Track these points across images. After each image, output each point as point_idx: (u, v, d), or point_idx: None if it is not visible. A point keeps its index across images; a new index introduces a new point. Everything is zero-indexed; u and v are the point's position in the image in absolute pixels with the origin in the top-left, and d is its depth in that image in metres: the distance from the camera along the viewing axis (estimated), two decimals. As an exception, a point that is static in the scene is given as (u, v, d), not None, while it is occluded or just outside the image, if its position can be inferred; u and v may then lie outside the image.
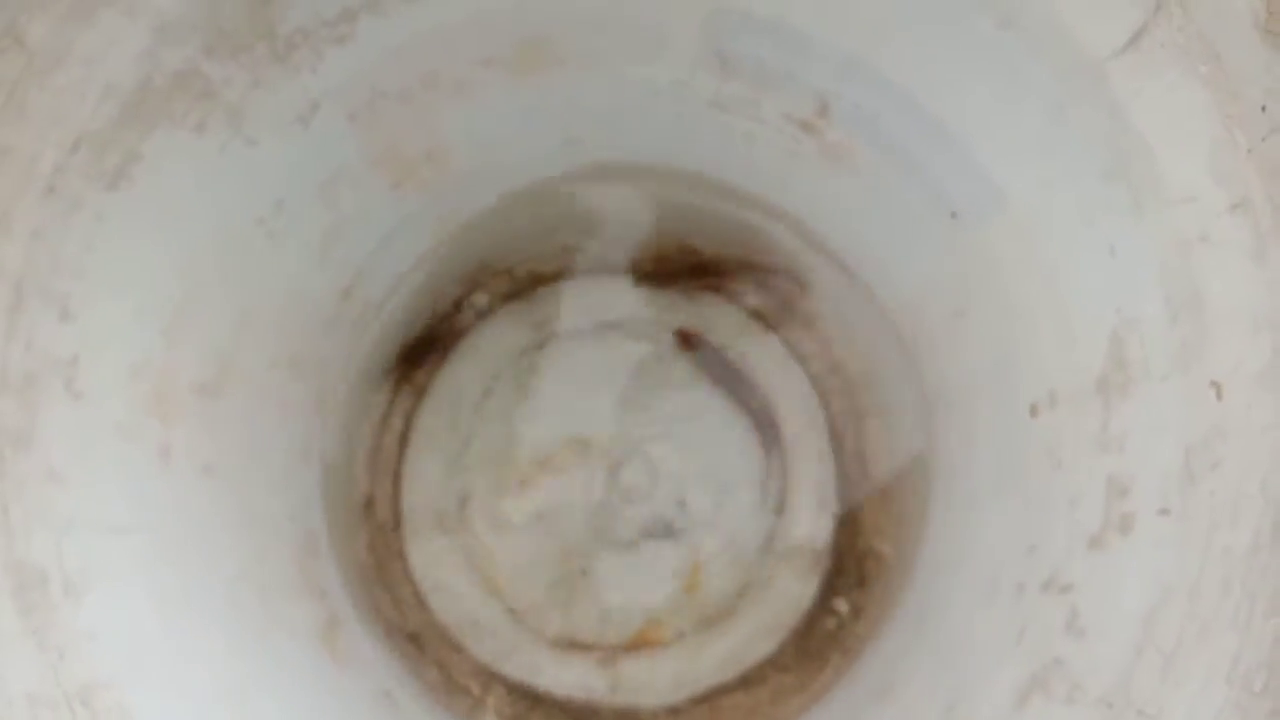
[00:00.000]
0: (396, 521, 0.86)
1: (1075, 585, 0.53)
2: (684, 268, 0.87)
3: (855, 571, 0.86)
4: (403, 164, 0.71)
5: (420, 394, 0.87)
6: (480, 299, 0.88)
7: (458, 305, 0.88)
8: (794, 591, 0.85)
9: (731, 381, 0.87)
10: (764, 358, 0.87)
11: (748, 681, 0.86)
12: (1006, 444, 0.66)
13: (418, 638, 0.85)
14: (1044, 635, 0.55)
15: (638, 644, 0.85)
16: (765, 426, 0.86)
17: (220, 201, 0.60)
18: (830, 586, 0.86)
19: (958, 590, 0.70)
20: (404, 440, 0.87)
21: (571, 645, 0.85)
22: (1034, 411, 0.62)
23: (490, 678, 0.85)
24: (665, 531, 0.86)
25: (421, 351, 0.87)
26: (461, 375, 0.87)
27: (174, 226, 0.57)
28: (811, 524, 0.85)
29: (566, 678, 0.85)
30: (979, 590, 0.66)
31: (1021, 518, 0.62)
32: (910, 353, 0.78)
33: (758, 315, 0.87)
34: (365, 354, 0.82)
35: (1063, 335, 0.59)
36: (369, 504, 0.86)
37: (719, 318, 0.87)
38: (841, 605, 0.85)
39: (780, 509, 0.85)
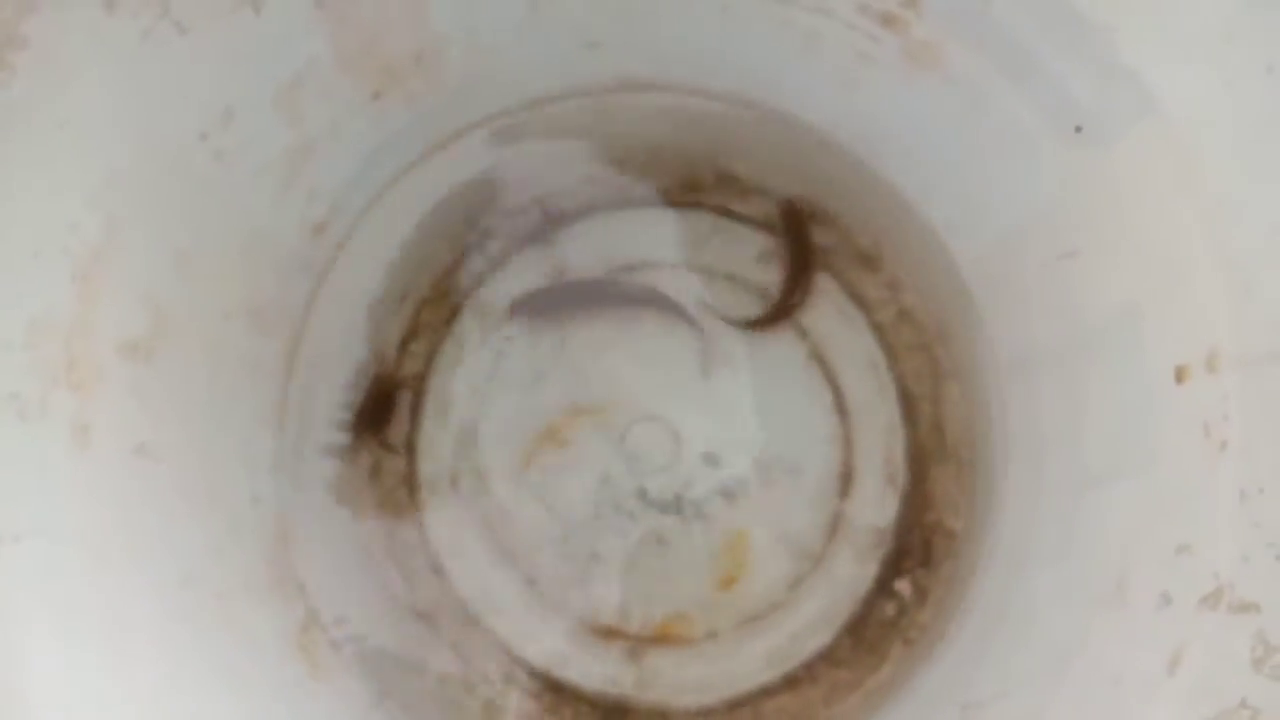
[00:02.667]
0: (411, 489, 0.74)
1: (1261, 606, 0.41)
2: (720, 200, 0.74)
3: (920, 550, 0.74)
4: (385, 67, 0.58)
5: (430, 354, 0.75)
6: (492, 245, 0.74)
7: (468, 250, 0.74)
8: (850, 574, 0.73)
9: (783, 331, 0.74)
10: (817, 304, 0.73)
11: (795, 681, 0.74)
12: (1131, 413, 0.53)
13: (430, 615, 0.73)
14: (1216, 668, 0.43)
15: (661, 639, 0.74)
16: (824, 387, 0.73)
17: (146, 108, 0.46)
18: (892, 566, 0.74)
19: (1057, 585, 0.58)
20: (415, 405, 0.74)
21: (592, 630, 0.73)
22: (1181, 376, 0.49)
23: (513, 664, 0.73)
24: (694, 511, 0.73)
25: (427, 305, 0.74)
26: (473, 334, 0.74)
27: (81, 139, 0.43)
28: (877, 502, 0.73)
29: (592, 667, 0.73)
30: (1093, 590, 0.54)
31: (1160, 507, 0.50)
32: (991, 307, 0.65)
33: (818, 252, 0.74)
34: (352, 304, 0.69)
35: (1231, 282, 0.46)
36: (375, 472, 0.74)
37: (762, 257, 0.74)
38: (904, 587, 0.73)
39: (842, 486, 0.73)
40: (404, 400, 0.73)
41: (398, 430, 0.73)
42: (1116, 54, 0.47)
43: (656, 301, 0.72)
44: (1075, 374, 0.58)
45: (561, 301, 0.74)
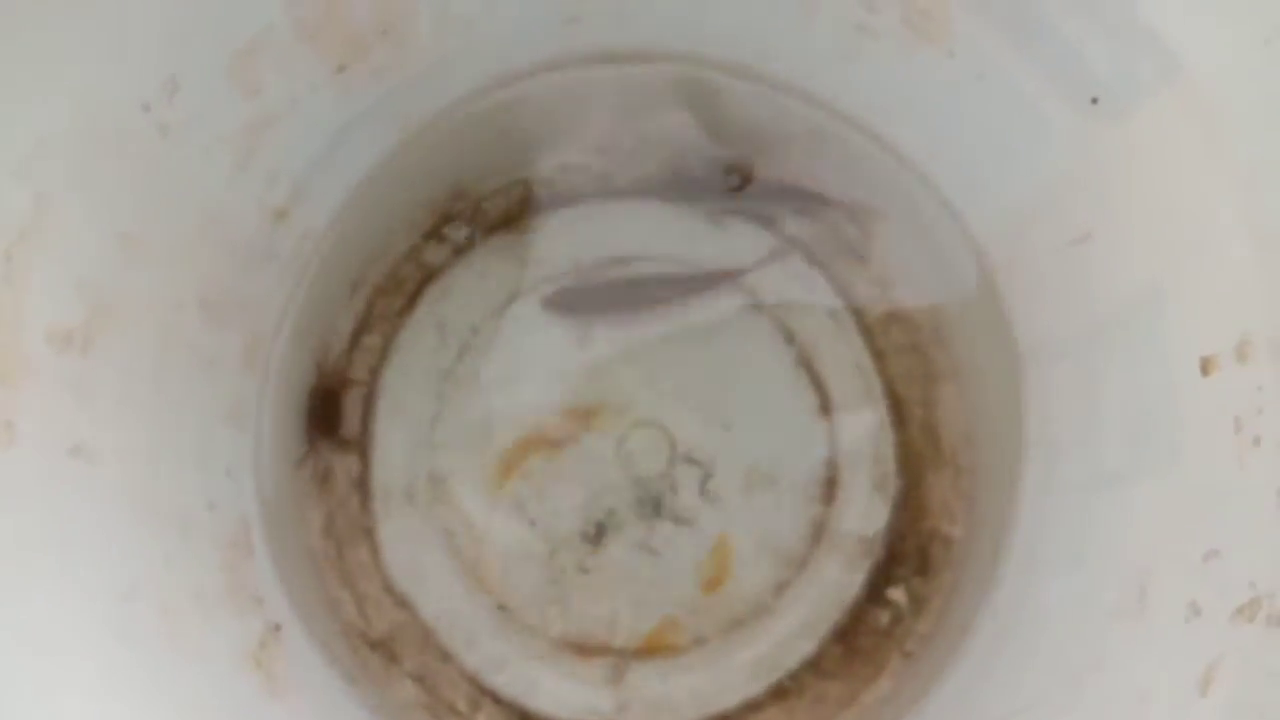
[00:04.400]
0: (364, 499, 0.69)
1: (1309, 618, 0.37)
2: (709, 184, 0.70)
3: (916, 557, 0.70)
4: (349, 38, 0.54)
5: (385, 349, 0.70)
6: (458, 231, 0.70)
7: (430, 237, 0.70)
8: (836, 580, 0.69)
9: (768, 331, 0.70)
10: (807, 302, 0.70)
11: (783, 692, 0.70)
12: (1153, 408, 0.49)
13: (388, 645, 0.69)
14: (1255, 687, 0.39)
15: (650, 649, 0.69)
16: (809, 388, 0.69)
17: (78, 72, 0.42)
18: (884, 574, 0.70)
19: (1073, 595, 0.54)
20: (369, 404, 0.70)
21: (574, 649, 0.69)
22: (1207, 367, 0.45)
23: (480, 693, 0.69)
24: (682, 517, 0.69)
25: (384, 295, 0.70)
26: (435, 327, 0.70)
27: (2, 103, 0.39)
28: (864, 508, 0.69)
29: (569, 693, 0.69)
30: (1113, 600, 0.50)
31: (1186, 509, 0.46)
32: (1002, 294, 0.61)
33: (800, 246, 0.70)
34: (311, 294, 0.65)
35: (1266, 260, 0.42)
36: (326, 478, 0.69)
37: (751, 249, 0.70)
38: (897, 595, 0.69)
39: (828, 494, 0.69)
40: (354, 399, 0.69)
41: (349, 433, 0.68)
42: (1135, 13, 0.43)
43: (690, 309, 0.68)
44: (1092, 367, 0.54)
45: (595, 300, 0.69)
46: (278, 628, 0.60)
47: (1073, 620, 0.53)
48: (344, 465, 0.69)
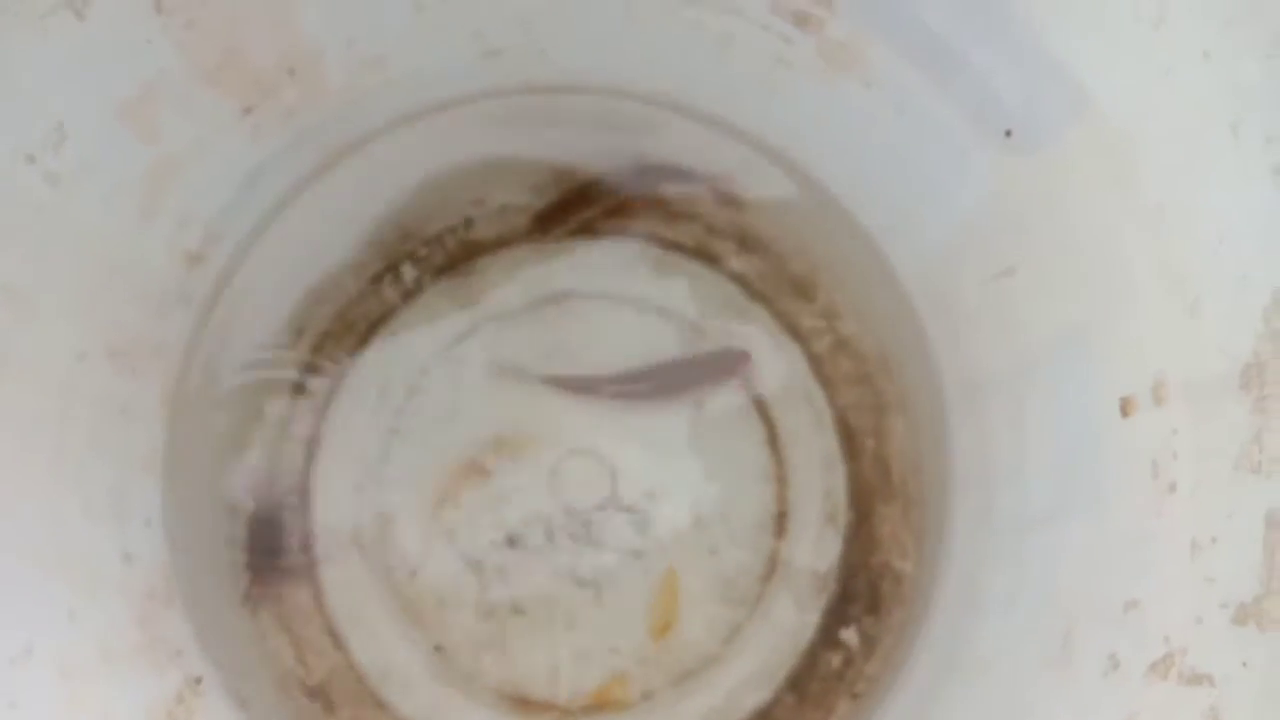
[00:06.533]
0: (305, 545, 0.68)
1: (1215, 679, 0.36)
2: (644, 219, 0.69)
3: (867, 595, 0.68)
4: (253, 79, 0.52)
5: (331, 395, 0.69)
6: (408, 272, 0.69)
7: (370, 277, 0.69)
8: (791, 623, 0.68)
9: (713, 365, 0.68)
10: (750, 335, 0.68)
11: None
12: (1076, 449, 0.48)
13: (325, 692, 0.67)
14: (1167, 747, 0.37)
15: (598, 706, 0.67)
16: (757, 419, 0.68)
17: (-51, 125, 0.41)
18: (837, 613, 0.68)
19: (1006, 639, 0.52)
20: (311, 449, 0.68)
21: (515, 703, 0.67)
22: (1126, 408, 0.43)
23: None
24: (624, 551, 0.67)
25: (330, 338, 0.68)
26: (380, 368, 0.68)
27: None
28: (815, 543, 0.67)
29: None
30: (1042, 646, 0.48)
31: (1107, 556, 0.44)
32: (935, 328, 0.60)
33: (740, 281, 0.68)
34: (239, 339, 0.64)
35: (1176, 300, 0.40)
36: (263, 527, 0.67)
37: (693, 285, 0.68)
38: (850, 636, 0.67)
39: (778, 527, 0.67)
40: (294, 521, 0.67)
41: (296, 561, 0.67)
42: (1044, 47, 0.42)
43: None
44: (1019, 404, 0.53)
45: None
46: (198, 680, 0.59)
47: (1006, 665, 0.51)
48: (287, 511, 0.68)
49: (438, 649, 0.67)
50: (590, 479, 0.67)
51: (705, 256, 0.69)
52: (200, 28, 0.47)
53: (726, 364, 0.67)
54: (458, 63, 0.58)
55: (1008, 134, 0.46)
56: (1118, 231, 0.42)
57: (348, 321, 0.68)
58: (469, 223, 0.69)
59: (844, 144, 0.56)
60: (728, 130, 0.60)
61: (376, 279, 0.69)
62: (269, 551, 0.65)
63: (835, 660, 0.67)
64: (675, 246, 0.68)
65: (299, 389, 0.67)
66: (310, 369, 0.67)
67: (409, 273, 0.69)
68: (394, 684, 0.66)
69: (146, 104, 0.48)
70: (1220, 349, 0.37)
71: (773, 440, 0.68)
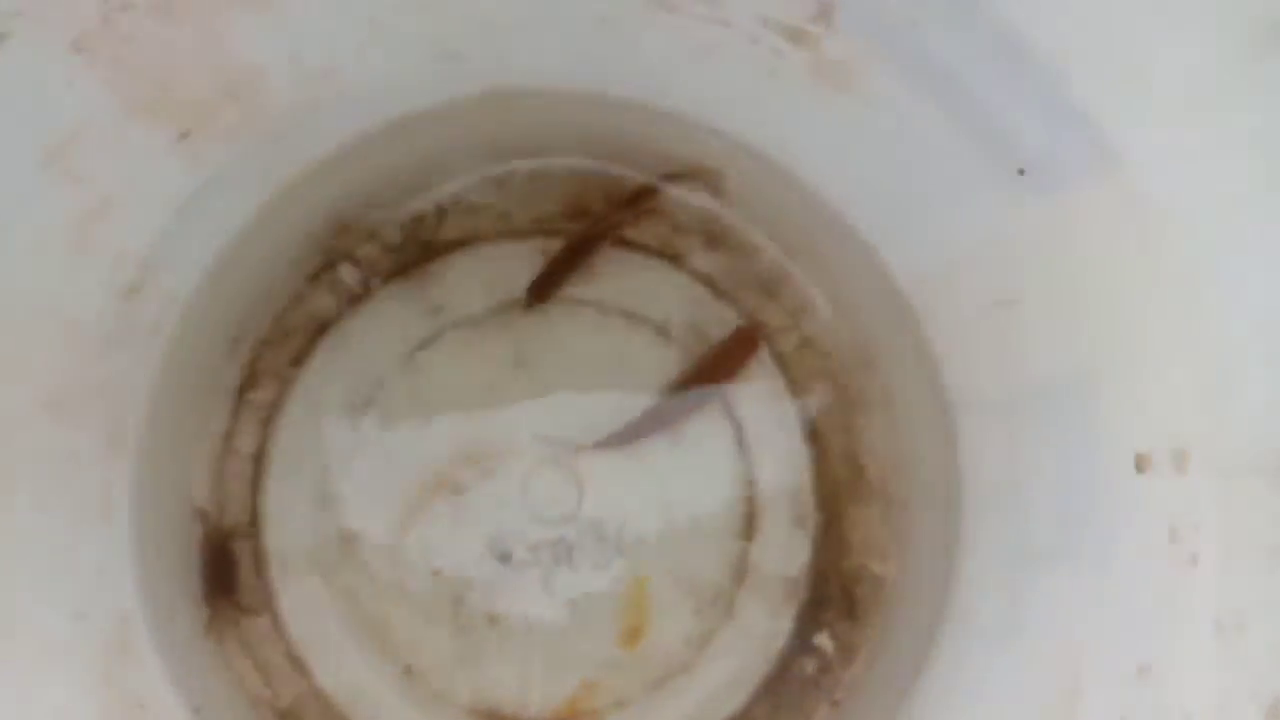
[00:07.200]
0: (259, 568, 0.65)
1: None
2: (608, 220, 0.65)
3: (841, 599, 0.67)
4: (189, 106, 0.47)
5: (275, 406, 0.64)
6: (349, 274, 0.64)
7: (321, 284, 0.64)
8: (763, 629, 0.67)
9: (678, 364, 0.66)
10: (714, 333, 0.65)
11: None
12: (1081, 492, 0.47)
13: (294, 716, 0.65)
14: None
15: (569, 716, 0.66)
16: (724, 419, 0.66)
17: None
18: (810, 618, 0.67)
19: (1007, 673, 0.52)
20: (259, 467, 0.64)
21: (489, 716, 0.66)
22: (1142, 464, 0.42)
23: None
24: (594, 560, 0.66)
25: (270, 347, 0.64)
26: (332, 379, 0.64)
27: None
28: (784, 545, 0.66)
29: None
30: (1039, 689, 0.48)
31: (1117, 610, 0.44)
32: (936, 337, 0.57)
33: (706, 281, 0.65)
34: (182, 365, 0.59)
35: (1206, 374, 0.39)
36: (219, 551, 0.64)
37: (657, 285, 0.65)
38: (824, 642, 0.67)
39: (746, 529, 0.66)
40: (245, 551, 0.63)
41: (250, 590, 0.63)
42: (1067, 95, 0.39)
43: None
44: (1021, 432, 0.51)
45: None
46: (162, 726, 0.56)
47: (1002, 700, 0.51)
48: (237, 534, 0.64)
49: (407, 670, 0.65)
50: (557, 489, 0.65)
51: (668, 255, 0.66)
52: (127, 62, 0.42)
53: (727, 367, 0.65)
54: (413, 69, 0.53)
55: (1020, 172, 0.44)
56: (1137, 290, 0.40)
57: (286, 330, 0.64)
58: (426, 223, 0.65)
59: (840, 157, 0.53)
60: (712, 133, 0.56)
61: (323, 283, 0.64)
62: (223, 580, 0.62)
63: (810, 666, 0.66)
64: (640, 248, 0.65)
65: (239, 406, 0.63)
66: (252, 382, 0.63)
67: (356, 276, 0.64)
68: (363, 708, 0.64)
69: (73, 147, 0.43)
70: (1255, 435, 0.36)
71: (739, 440, 0.66)
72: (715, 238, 0.65)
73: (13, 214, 0.42)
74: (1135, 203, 0.39)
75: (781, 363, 0.66)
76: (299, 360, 0.64)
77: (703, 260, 0.65)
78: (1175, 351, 0.39)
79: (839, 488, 0.66)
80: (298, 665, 0.64)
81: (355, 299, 0.64)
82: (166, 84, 0.44)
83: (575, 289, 0.64)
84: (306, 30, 0.47)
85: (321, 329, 0.64)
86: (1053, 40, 0.38)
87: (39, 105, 0.40)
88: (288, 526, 0.64)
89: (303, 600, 0.64)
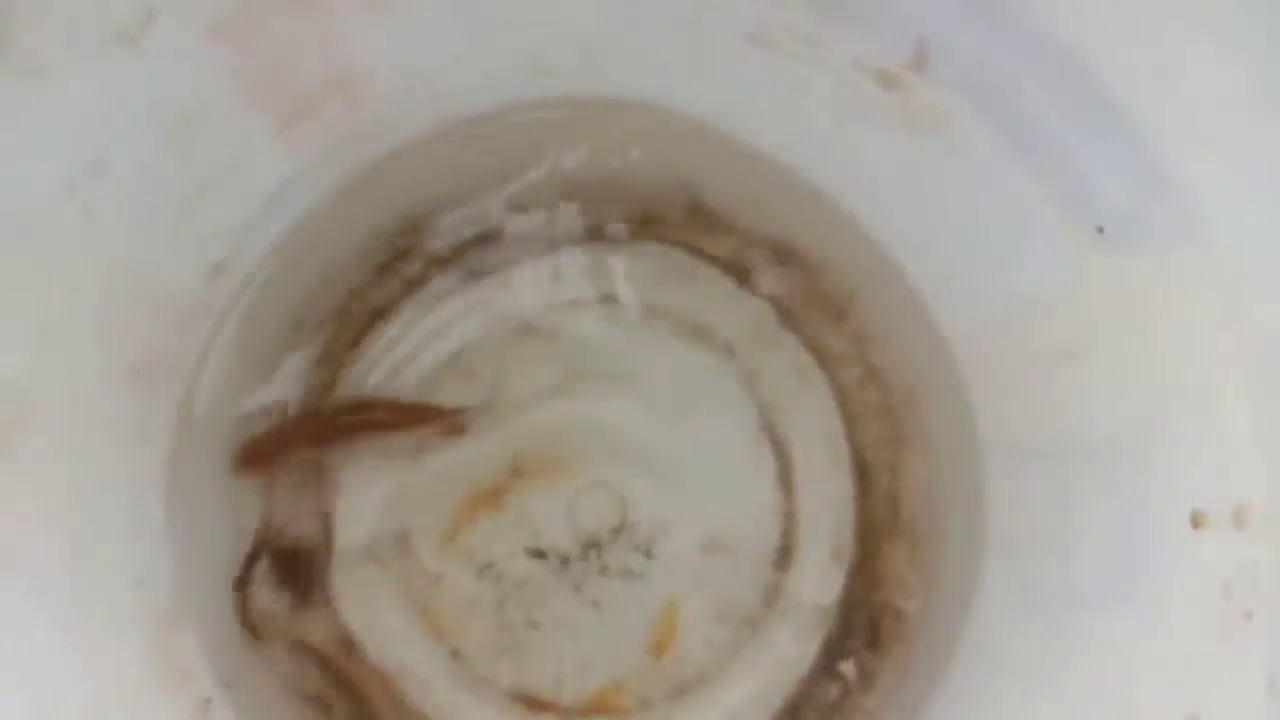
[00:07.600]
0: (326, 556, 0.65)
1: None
2: (679, 236, 0.66)
3: (866, 630, 0.68)
4: (298, 97, 0.49)
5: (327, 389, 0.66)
6: (413, 269, 0.65)
7: (380, 271, 0.65)
8: (789, 652, 0.68)
9: (734, 391, 0.67)
10: (778, 362, 0.67)
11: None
12: (1133, 545, 0.48)
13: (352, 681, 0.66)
14: None
15: (597, 708, 0.67)
16: (770, 454, 0.67)
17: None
18: (836, 647, 0.68)
19: (1035, 711, 0.53)
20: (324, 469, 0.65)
21: (526, 701, 0.67)
22: (1198, 522, 0.43)
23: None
24: (634, 578, 0.67)
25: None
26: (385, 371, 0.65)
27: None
28: (820, 578, 0.67)
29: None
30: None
31: (1167, 662, 0.45)
32: (976, 384, 0.59)
33: (776, 304, 0.66)
34: (253, 346, 0.60)
35: (1270, 435, 0.40)
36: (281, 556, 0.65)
37: (723, 305, 0.66)
38: (849, 669, 0.68)
39: (784, 561, 0.67)
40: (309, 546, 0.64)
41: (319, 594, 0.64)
42: (1157, 160, 0.41)
43: None
44: (1069, 482, 0.53)
45: None
46: (208, 702, 0.57)
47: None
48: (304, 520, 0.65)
49: (454, 654, 0.66)
50: (604, 507, 0.66)
51: (736, 274, 0.67)
52: (253, 49, 0.44)
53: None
54: (506, 78, 0.55)
55: (1100, 230, 0.45)
56: (1212, 354, 0.42)
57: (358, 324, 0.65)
58: (493, 225, 0.66)
59: (907, 197, 0.54)
60: (787, 171, 0.57)
61: (396, 280, 0.66)
62: (286, 583, 0.63)
63: (833, 691, 0.68)
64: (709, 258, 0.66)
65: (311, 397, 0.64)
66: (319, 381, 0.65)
67: (426, 271, 0.66)
68: (413, 686, 0.65)
69: (187, 129, 0.45)
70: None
71: (785, 475, 0.67)
72: (783, 257, 0.66)
73: (131, 186, 0.43)
74: (1217, 267, 0.40)
75: (843, 395, 0.67)
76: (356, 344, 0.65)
77: (768, 278, 0.66)
78: (1246, 419, 0.41)
79: (878, 524, 0.67)
80: (349, 648, 0.65)
81: (416, 293, 0.66)
82: (283, 75, 0.46)
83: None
84: (420, 36, 0.48)
85: (382, 319, 0.66)
86: (1151, 107, 0.39)
87: (170, 84, 0.42)
88: (353, 531, 0.65)
89: (357, 587, 0.65)
